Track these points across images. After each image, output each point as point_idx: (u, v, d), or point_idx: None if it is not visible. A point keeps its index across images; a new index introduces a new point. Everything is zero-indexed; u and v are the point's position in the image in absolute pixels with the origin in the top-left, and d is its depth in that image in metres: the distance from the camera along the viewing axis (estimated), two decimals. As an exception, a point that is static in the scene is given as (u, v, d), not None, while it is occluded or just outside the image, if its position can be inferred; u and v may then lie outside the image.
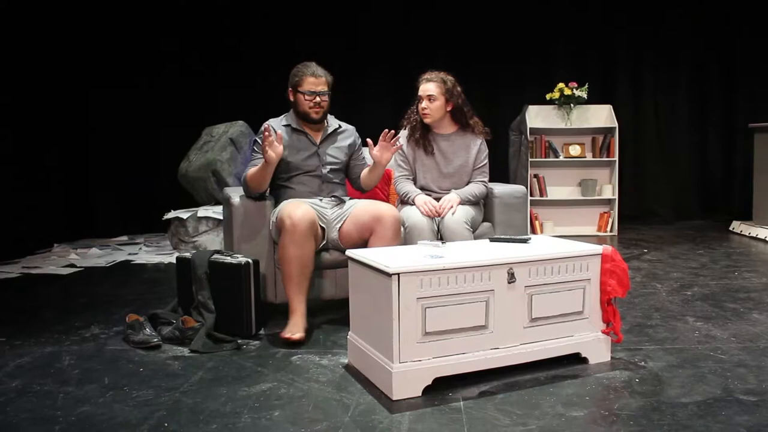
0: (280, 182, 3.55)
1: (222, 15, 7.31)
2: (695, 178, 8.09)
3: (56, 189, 6.74)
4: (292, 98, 3.54)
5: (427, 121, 3.70)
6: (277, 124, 3.55)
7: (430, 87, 3.66)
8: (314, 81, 3.48)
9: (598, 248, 2.74)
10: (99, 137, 7.10)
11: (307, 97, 3.47)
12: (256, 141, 3.57)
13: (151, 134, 7.15)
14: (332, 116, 3.72)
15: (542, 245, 2.83)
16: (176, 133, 6.88)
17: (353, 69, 7.28)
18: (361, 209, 3.38)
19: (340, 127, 3.68)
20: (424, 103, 3.67)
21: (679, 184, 7.99)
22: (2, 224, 5.82)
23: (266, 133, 3.22)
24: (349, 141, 3.68)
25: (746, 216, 6.87)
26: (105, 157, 7.13)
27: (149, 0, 7.08)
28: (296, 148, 3.51)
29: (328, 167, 3.57)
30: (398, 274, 2.36)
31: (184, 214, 5.84)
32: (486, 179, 3.77)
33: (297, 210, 3.15)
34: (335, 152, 3.61)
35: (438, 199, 3.62)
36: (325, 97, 3.51)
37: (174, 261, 5.35)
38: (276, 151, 3.27)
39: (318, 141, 3.57)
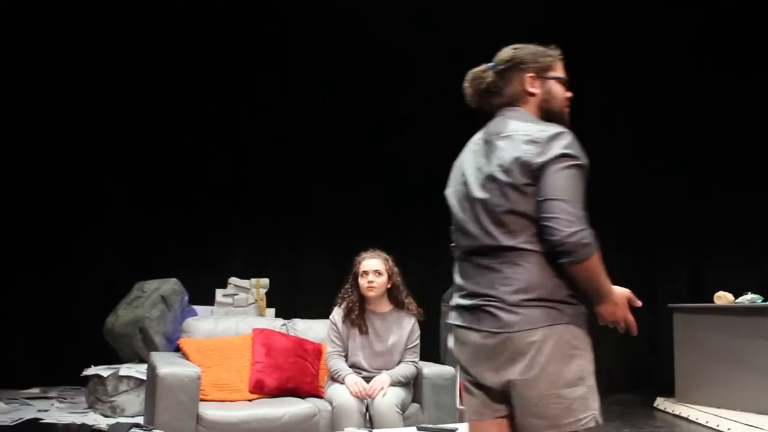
0: None
1: (175, 166, 7.34)
2: (619, 353, 8.26)
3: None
4: (535, 89, 2.08)
5: (371, 294, 3.73)
6: None
7: (375, 263, 3.74)
8: None
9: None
10: (22, 279, 6.88)
11: None
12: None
13: (77, 284, 6.95)
14: None
15: (470, 436, 2.81)
16: (106, 284, 6.71)
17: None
18: None
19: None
20: (371, 277, 3.71)
21: (604, 360, 8.10)
22: None
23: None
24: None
25: (669, 392, 6.99)
26: (26, 305, 6.86)
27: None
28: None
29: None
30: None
31: (104, 371, 5.59)
32: (417, 359, 3.80)
33: None
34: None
35: (368, 379, 3.61)
36: None
37: (87, 422, 5.13)
38: None
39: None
